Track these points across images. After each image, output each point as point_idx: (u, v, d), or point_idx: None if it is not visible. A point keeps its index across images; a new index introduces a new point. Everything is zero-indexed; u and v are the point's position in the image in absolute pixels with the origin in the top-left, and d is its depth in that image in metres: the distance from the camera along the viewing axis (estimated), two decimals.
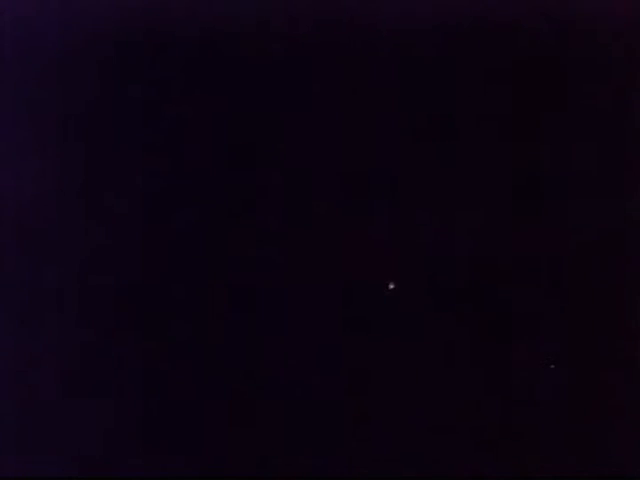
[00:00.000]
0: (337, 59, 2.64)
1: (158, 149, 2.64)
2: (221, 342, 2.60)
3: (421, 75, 2.65)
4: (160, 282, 2.61)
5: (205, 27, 2.65)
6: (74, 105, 2.65)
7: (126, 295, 2.61)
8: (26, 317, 2.61)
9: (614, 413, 2.57)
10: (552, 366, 2.56)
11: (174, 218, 2.63)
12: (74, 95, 2.66)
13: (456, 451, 2.56)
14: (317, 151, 2.63)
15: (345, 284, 2.60)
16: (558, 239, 2.61)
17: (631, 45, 2.65)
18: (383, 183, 2.63)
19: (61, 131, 2.65)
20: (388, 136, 2.63)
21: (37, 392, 2.60)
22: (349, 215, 2.62)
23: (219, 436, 2.58)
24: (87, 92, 2.65)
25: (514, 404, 2.57)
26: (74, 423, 2.59)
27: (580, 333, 2.58)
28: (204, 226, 2.62)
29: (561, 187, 2.62)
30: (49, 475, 2.57)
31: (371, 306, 2.60)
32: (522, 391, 2.57)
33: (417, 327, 2.59)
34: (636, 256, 2.60)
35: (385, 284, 2.59)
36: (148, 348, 2.60)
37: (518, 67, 2.64)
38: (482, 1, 2.63)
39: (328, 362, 2.59)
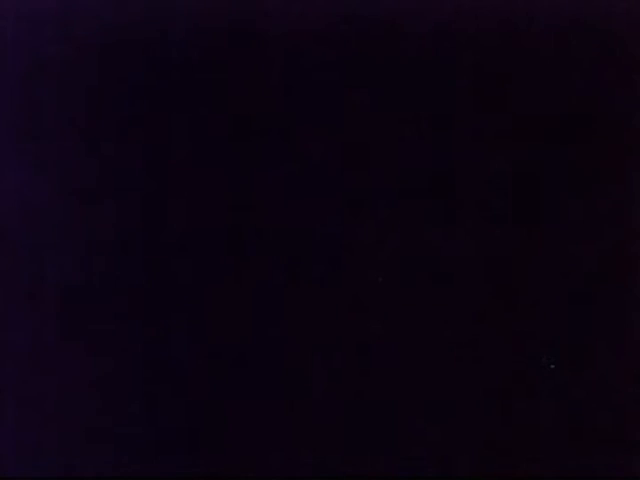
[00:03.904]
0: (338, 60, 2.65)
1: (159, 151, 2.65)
2: (221, 342, 2.61)
3: (421, 75, 2.65)
4: (161, 285, 2.62)
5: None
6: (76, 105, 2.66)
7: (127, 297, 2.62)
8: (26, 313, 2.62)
9: (613, 413, 2.57)
10: (552, 366, 2.56)
11: (173, 220, 2.64)
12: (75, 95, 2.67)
13: (456, 451, 2.56)
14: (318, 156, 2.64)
15: (345, 285, 2.61)
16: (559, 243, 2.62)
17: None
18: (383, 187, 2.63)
19: (63, 131, 2.66)
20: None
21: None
22: (348, 215, 2.63)
23: (219, 436, 2.59)
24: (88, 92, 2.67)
25: (514, 404, 2.57)
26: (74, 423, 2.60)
27: (580, 333, 2.59)
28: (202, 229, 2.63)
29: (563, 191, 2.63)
30: (49, 475, 2.58)
31: (370, 307, 2.60)
32: (522, 390, 2.57)
33: (417, 327, 2.59)
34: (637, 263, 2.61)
35: (375, 277, 2.59)
36: (147, 350, 2.61)
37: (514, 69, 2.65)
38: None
39: (328, 361, 2.60)
